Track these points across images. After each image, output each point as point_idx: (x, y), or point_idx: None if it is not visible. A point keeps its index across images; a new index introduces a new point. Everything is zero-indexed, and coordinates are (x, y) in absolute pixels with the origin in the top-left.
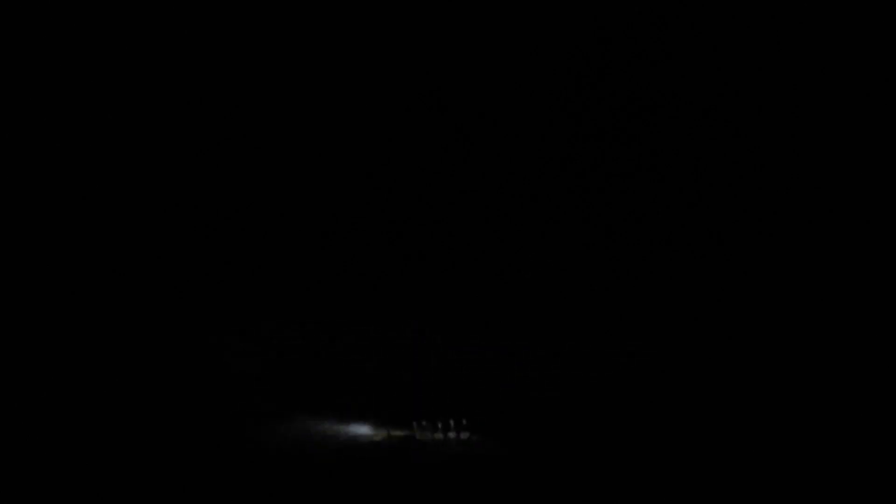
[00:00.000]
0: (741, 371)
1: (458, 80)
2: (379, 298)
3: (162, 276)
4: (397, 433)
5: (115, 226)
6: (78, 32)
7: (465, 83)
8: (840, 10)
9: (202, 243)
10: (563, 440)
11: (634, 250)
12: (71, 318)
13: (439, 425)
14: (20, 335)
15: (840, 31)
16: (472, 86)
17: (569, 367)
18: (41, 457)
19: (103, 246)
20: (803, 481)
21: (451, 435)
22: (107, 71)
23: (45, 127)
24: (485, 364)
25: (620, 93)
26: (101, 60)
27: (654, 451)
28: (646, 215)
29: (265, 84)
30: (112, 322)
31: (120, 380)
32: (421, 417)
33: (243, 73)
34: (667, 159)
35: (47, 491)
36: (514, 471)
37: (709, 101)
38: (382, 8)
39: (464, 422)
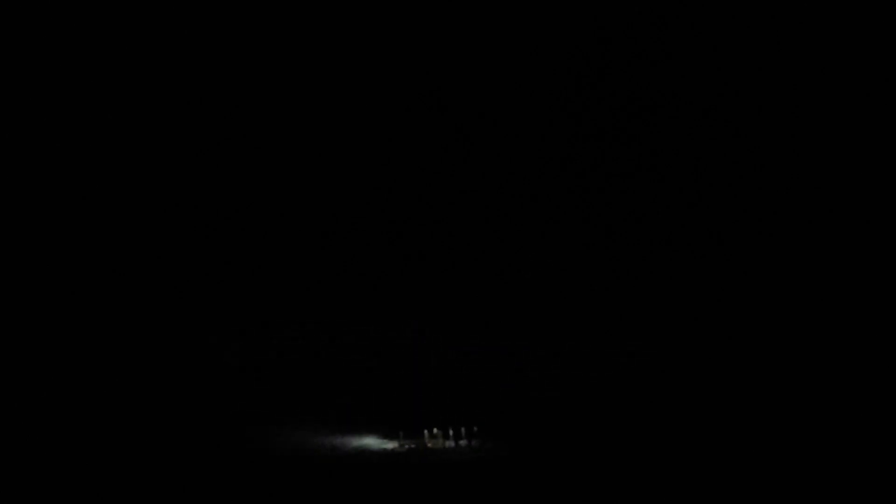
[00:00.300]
0: (741, 371)
1: (458, 80)
2: (379, 298)
3: (162, 276)
4: (407, 442)
5: (116, 226)
6: (78, 33)
7: (465, 83)
8: (840, 10)
9: (202, 243)
10: (563, 440)
11: (634, 250)
12: (71, 318)
13: (450, 432)
14: (20, 335)
15: (840, 32)
16: (472, 86)
17: (569, 367)
18: (41, 456)
19: (103, 246)
20: (803, 480)
21: (462, 442)
22: (107, 71)
23: (45, 127)
24: (485, 364)
25: (620, 93)
26: (101, 60)
27: (654, 450)
28: (646, 215)
29: (265, 84)
30: (112, 322)
31: (120, 379)
32: (431, 425)
33: (243, 73)
34: (667, 159)
35: (47, 490)
36: (522, 474)
37: (709, 101)
38: (382, 8)
39: (474, 429)
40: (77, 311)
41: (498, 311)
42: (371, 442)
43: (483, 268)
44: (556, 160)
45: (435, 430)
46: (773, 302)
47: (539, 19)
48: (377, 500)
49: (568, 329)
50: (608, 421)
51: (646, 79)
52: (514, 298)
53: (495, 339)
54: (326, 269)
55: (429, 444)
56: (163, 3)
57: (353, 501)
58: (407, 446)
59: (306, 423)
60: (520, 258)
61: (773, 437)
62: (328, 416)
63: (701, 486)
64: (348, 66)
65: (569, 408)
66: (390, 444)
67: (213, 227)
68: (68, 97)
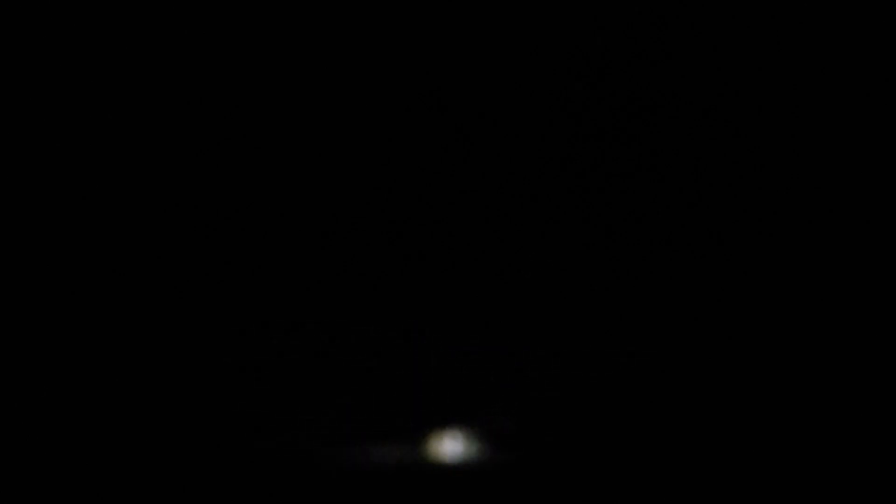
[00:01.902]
0: (741, 371)
1: (458, 80)
2: (379, 298)
3: (162, 276)
4: (411, 444)
5: (115, 225)
6: (78, 32)
7: (465, 83)
8: (840, 10)
9: (202, 243)
10: (563, 440)
11: (634, 250)
12: (70, 318)
13: (455, 431)
14: (20, 335)
15: (840, 31)
16: (472, 86)
17: (569, 367)
18: (41, 457)
19: (103, 246)
20: (803, 481)
21: (466, 442)
22: (107, 71)
23: (46, 127)
24: (485, 364)
25: (620, 93)
26: (102, 60)
27: (654, 451)
28: (646, 215)
29: (265, 84)
30: (111, 322)
31: (119, 380)
32: (433, 424)
33: (244, 73)
34: (667, 159)
35: (47, 491)
36: (526, 474)
37: (709, 101)
38: (382, 8)
39: (479, 427)
40: (76, 311)
41: (498, 310)
42: (373, 441)
43: (482, 267)
44: (556, 160)
45: (438, 428)
46: (773, 302)
47: (539, 19)
48: (382, 500)
49: (568, 329)
50: (608, 421)
51: (646, 79)
52: (513, 298)
53: (495, 339)
54: (326, 269)
55: (433, 445)
56: (163, 3)
57: (358, 501)
58: (410, 448)
59: (306, 423)
60: (520, 258)
61: (774, 438)
62: (328, 415)
63: (701, 486)
64: (348, 66)
65: (569, 408)
66: (392, 445)
67: (213, 226)
68: (68, 97)
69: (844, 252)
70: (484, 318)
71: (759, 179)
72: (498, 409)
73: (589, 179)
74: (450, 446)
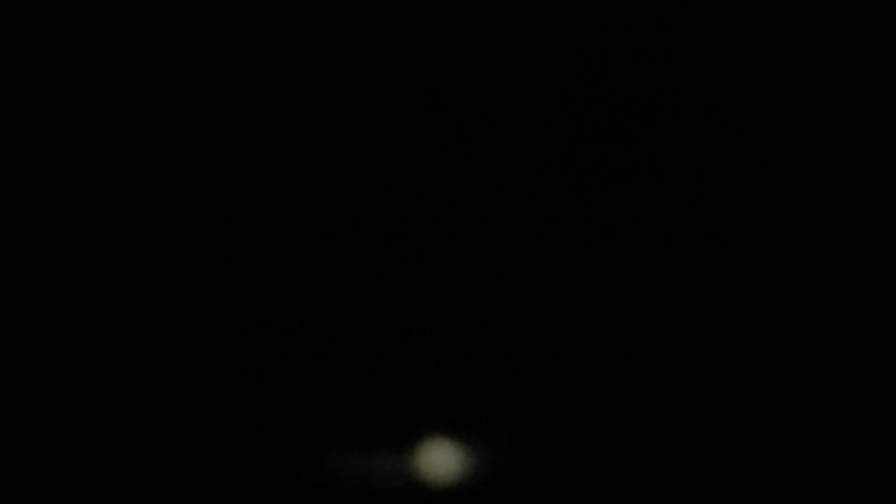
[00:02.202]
0: (742, 372)
1: (458, 80)
2: (379, 298)
3: (161, 276)
4: (410, 445)
5: (115, 225)
6: (78, 32)
7: (465, 83)
8: (840, 9)
9: (202, 243)
10: (563, 441)
11: (634, 250)
12: (70, 318)
13: (454, 434)
14: (20, 335)
15: (840, 31)
16: (472, 86)
17: (569, 367)
18: (41, 457)
19: (102, 245)
20: (804, 481)
21: (465, 445)
22: (107, 70)
23: (45, 127)
24: (485, 364)
25: (620, 93)
26: (102, 60)
27: (654, 451)
28: (646, 215)
29: (265, 83)
30: (111, 322)
31: (119, 380)
32: (433, 426)
33: (243, 72)
34: (667, 159)
35: (47, 491)
36: (526, 474)
37: (709, 101)
38: (382, 8)
39: (479, 428)
40: (76, 311)
41: (498, 311)
42: (372, 443)
43: (482, 267)
44: (556, 160)
45: (438, 430)
46: (773, 302)
47: (539, 19)
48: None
49: (568, 329)
50: (608, 421)
51: (646, 79)
52: (513, 298)
53: (495, 339)
54: (326, 269)
55: (431, 448)
56: (163, 3)
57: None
58: (411, 449)
59: (305, 423)
60: (520, 258)
61: (775, 439)
62: (328, 416)
63: (702, 487)
64: (348, 66)
65: (568, 407)
66: (387, 450)
67: (212, 226)
68: (68, 97)
69: (844, 252)
70: (482, 319)
71: (759, 179)
72: (495, 413)
73: (589, 179)
74: (445, 452)
